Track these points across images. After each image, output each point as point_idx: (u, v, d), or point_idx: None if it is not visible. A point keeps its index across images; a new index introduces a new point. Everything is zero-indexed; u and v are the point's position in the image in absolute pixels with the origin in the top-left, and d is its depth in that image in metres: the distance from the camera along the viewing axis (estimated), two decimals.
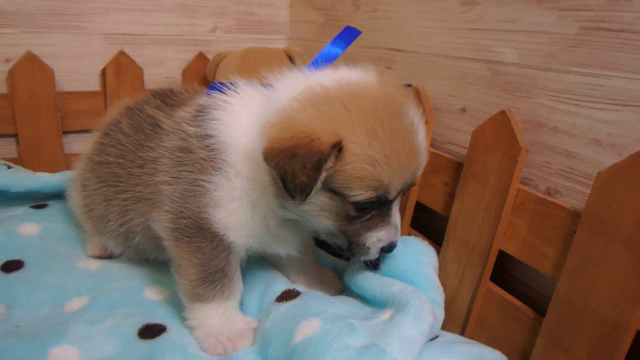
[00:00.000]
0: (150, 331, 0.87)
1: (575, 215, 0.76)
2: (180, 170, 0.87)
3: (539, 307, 0.85)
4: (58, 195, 1.35)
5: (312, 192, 0.72)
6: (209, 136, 0.85)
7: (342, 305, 0.89)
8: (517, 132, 0.85)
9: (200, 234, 0.86)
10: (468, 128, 1.01)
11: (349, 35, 0.98)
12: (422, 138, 0.78)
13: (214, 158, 0.84)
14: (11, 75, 1.39)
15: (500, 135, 0.88)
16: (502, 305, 0.89)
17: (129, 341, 0.85)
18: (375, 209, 0.78)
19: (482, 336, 0.91)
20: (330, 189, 0.75)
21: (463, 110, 1.05)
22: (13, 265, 1.04)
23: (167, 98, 1.01)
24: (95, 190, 1.03)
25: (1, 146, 1.46)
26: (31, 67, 1.40)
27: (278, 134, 0.72)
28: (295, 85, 0.78)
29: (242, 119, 0.84)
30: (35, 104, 1.42)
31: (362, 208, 0.77)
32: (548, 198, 0.82)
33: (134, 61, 1.52)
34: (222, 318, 0.88)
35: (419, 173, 0.80)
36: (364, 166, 0.72)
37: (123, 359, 0.81)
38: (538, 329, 0.81)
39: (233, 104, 0.87)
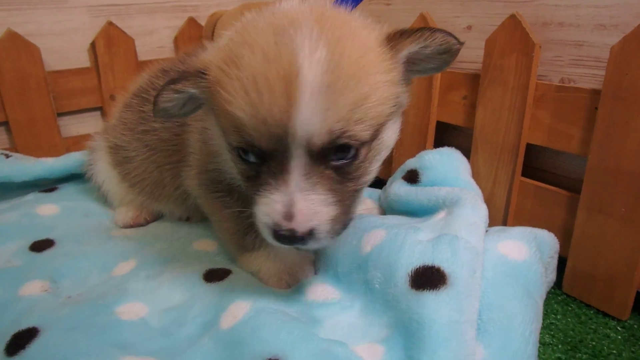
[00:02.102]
0: (216, 274, 0.91)
1: (594, 93, 0.90)
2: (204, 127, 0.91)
3: (571, 189, 0.99)
4: (64, 179, 1.39)
5: (159, 103, 0.74)
6: None
7: (394, 218, 1.00)
8: (529, 31, 0.97)
9: (221, 187, 0.92)
10: (476, 43, 1.13)
11: None
12: (309, 77, 0.61)
13: None
14: None
15: (513, 38, 1.00)
16: (537, 193, 1.02)
17: (196, 286, 0.89)
18: (263, 163, 0.67)
19: (523, 225, 1.04)
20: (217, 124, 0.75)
21: (469, 27, 1.17)
22: (43, 245, 1.06)
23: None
24: (146, 158, 1.07)
25: None
26: (15, 46, 1.39)
27: None
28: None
29: None
30: (24, 85, 1.42)
31: (244, 159, 0.69)
32: (566, 85, 0.95)
33: (124, 32, 1.54)
34: (275, 259, 0.90)
35: (309, 126, 0.62)
36: (222, 99, 0.66)
37: (195, 303, 0.84)
38: (575, 205, 0.94)
39: None
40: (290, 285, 0.90)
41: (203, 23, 1.71)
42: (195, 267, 0.95)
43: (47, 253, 1.03)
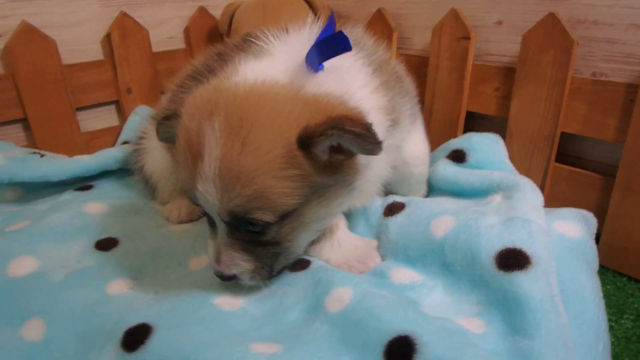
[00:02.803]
0: (300, 264, 0.95)
1: (629, 86, 1.03)
2: None
3: (602, 173, 1.13)
4: (96, 176, 1.39)
5: (160, 137, 0.87)
6: None
7: (448, 202, 1.10)
8: (568, 28, 1.08)
9: None
10: (507, 37, 1.24)
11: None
12: (206, 167, 0.71)
13: None
14: (9, 51, 1.34)
15: (551, 34, 1.11)
16: (571, 177, 1.15)
17: (282, 275, 0.93)
18: (205, 214, 0.83)
19: (556, 206, 1.17)
20: None
21: (499, 22, 1.27)
22: (107, 244, 1.07)
23: (248, 42, 1.09)
24: None
25: (7, 135, 1.43)
26: (31, 39, 1.36)
27: None
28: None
29: None
30: (41, 81, 1.40)
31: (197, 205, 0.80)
32: (602, 79, 1.07)
33: (138, 23, 1.54)
34: (339, 248, 0.97)
35: (208, 202, 0.74)
36: (174, 155, 0.80)
37: (287, 291, 0.88)
38: (607, 187, 1.08)
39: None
40: (362, 271, 0.97)
41: (214, 12, 1.71)
42: None
43: (115, 252, 1.06)
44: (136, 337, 0.81)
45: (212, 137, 0.71)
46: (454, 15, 1.29)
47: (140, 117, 1.58)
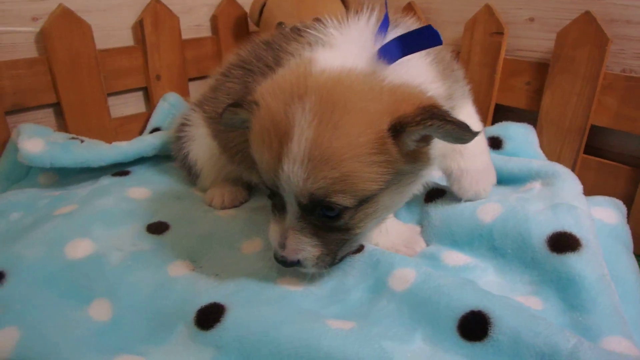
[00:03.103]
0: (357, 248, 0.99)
1: None
2: None
3: (629, 164, 1.20)
4: (132, 162, 1.41)
5: (223, 121, 0.89)
6: None
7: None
8: (603, 27, 1.15)
9: None
10: (539, 34, 1.30)
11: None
12: (295, 147, 0.73)
13: None
14: (46, 34, 1.34)
15: (586, 32, 1.17)
16: (599, 168, 1.22)
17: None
18: (274, 196, 0.84)
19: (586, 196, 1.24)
20: None
21: (531, 19, 1.33)
22: (159, 227, 1.10)
23: (300, 33, 1.12)
24: None
25: (38, 120, 1.43)
26: (68, 23, 1.37)
27: None
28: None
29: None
30: (76, 65, 1.41)
31: (264, 185, 0.84)
32: (632, 75, 1.14)
33: (169, 9, 1.55)
34: (387, 233, 1.01)
35: (291, 183, 0.76)
36: (251, 138, 0.83)
37: (346, 272, 0.93)
38: (635, 178, 1.15)
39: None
40: (409, 255, 1.03)
41: (241, 2, 1.73)
42: None
43: (168, 235, 1.08)
44: (210, 315, 0.84)
45: (303, 118, 0.73)
46: (488, 10, 1.34)
47: (169, 104, 1.60)
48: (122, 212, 1.14)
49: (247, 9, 1.72)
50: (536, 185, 1.10)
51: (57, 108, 1.44)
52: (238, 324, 0.82)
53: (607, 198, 1.09)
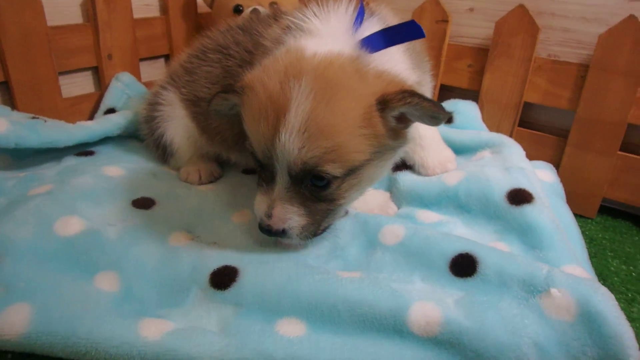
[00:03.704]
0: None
1: (581, 65, 1.33)
2: None
3: (555, 134, 1.44)
4: (95, 143, 1.39)
5: (212, 108, 0.97)
6: None
7: None
8: (535, 18, 1.36)
9: None
10: (478, 22, 1.50)
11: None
12: (292, 119, 0.80)
13: None
14: None
15: (521, 22, 1.38)
16: (531, 138, 1.45)
17: None
18: (263, 168, 0.90)
19: None
20: None
21: (471, 9, 1.52)
22: (145, 203, 1.12)
23: (277, 19, 1.16)
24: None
25: None
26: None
27: None
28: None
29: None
30: (27, 43, 1.35)
31: (255, 159, 0.91)
32: (560, 59, 1.37)
33: None
34: (364, 203, 1.12)
35: (285, 152, 0.82)
36: (244, 114, 0.90)
37: (338, 231, 1.03)
38: (561, 146, 1.39)
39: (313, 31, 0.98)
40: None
41: None
42: None
43: (157, 209, 1.10)
44: (225, 277, 0.90)
45: (299, 93, 0.81)
46: (434, 0, 1.51)
47: (123, 84, 1.58)
48: (103, 189, 1.14)
49: None
50: (486, 154, 1.29)
51: (5, 86, 1.37)
52: (254, 282, 0.89)
53: (542, 162, 1.31)
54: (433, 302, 0.82)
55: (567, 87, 1.36)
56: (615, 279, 1.05)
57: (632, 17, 1.21)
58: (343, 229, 1.06)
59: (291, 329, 0.83)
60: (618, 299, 0.84)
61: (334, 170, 0.85)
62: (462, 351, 0.77)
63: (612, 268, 1.10)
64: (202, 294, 0.90)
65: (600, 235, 1.25)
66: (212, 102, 0.96)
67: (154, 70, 1.76)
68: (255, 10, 1.43)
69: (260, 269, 0.92)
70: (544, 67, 1.38)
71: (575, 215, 1.30)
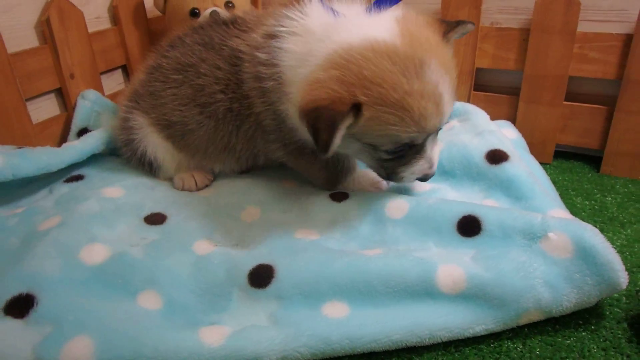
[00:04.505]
0: (337, 196, 1.17)
1: (522, 30, 1.47)
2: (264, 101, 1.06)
3: (508, 93, 1.58)
4: (81, 167, 1.36)
5: (332, 147, 0.87)
6: (275, 65, 1.00)
7: None
8: None
9: (307, 151, 1.12)
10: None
11: None
12: (442, 93, 0.91)
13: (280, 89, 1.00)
14: None
15: None
16: (487, 100, 1.58)
17: (330, 204, 1.14)
18: (408, 150, 0.97)
19: None
20: (362, 142, 0.96)
21: None
22: (157, 218, 1.13)
23: (238, 25, 1.16)
24: (213, 127, 1.18)
25: None
26: None
27: (306, 96, 0.89)
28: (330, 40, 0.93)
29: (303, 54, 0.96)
30: None
31: (394, 152, 0.97)
32: (503, 26, 1.50)
33: (72, 3, 1.46)
34: (357, 182, 1.21)
35: (443, 122, 0.97)
36: (381, 127, 0.90)
37: (347, 212, 1.11)
38: (514, 103, 1.53)
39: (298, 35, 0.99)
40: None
41: None
42: (320, 193, 1.20)
43: (171, 222, 1.13)
44: (263, 275, 0.95)
45: (436, 72, 0.90)
46: None
47: (90, 102, 1.53)
48: (111, 211, 1.14)
49: None
50: (455, 123, 1.40)
51: None
52: (291, 275, 0.94)
53: (503, 121, 1.45)
54: (454, 263, 0.93)
55: (513, 50, 1.50)
56: (583, 214, 1.21)
57: None
58: (349, 211, 1.14)
59: (336, 310, 0.90)
60: None
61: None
62: (488, 300, 0.88)
63: (578, 205, 1.26)
64: (244, 294, 0.95)
65: (560, 178, 1.41)
66: (334, 140, 0.87)
67: (113, 82, 1.72)
68: (214, 12, 1.43)
69: (293, 261, 0.97)
70: (489, 35, 1.51)
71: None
